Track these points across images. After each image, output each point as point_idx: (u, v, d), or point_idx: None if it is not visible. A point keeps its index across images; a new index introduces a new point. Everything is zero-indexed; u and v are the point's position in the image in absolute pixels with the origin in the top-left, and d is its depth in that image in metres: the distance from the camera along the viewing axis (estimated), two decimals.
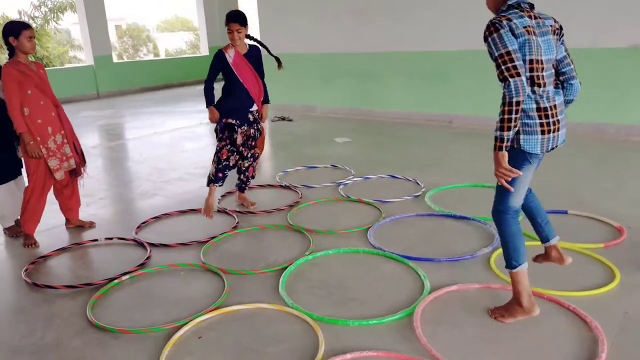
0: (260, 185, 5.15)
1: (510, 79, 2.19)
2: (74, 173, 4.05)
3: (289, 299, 2.88)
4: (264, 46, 4.25)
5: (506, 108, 2.22)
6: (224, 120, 4.04)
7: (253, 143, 4.29)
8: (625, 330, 2.50)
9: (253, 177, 4.48)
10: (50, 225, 4.24)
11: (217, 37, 17.10)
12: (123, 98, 13.25)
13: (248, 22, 4.06)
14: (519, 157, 2.38)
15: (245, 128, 4.11)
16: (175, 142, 7.59)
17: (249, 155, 4.29)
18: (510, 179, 2.35)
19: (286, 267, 3.27)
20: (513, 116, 2.22)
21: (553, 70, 2.41)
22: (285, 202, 4.57)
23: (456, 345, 2.44)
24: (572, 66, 2.48)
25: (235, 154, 4.18)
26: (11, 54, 3.65)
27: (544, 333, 2.51)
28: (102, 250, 3.85)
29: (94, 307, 2.96)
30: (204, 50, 17.37)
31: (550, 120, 2.33)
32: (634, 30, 6.21)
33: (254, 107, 4.17)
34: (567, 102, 2.54)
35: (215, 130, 4.15)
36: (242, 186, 4.51)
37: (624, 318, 2.59)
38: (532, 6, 2.40)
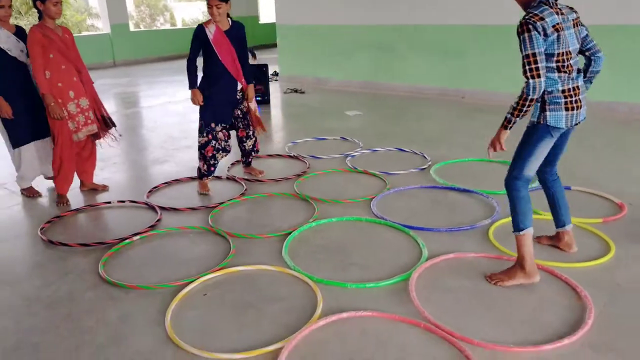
0: (270, 155, 5.24)
1: (530, 80, 2.45)
2: (95, 137, 4.18)
3: (291, 262, 3.00)
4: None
5: (521, 101, 2.50)
6: (210, 124, 4.01)
7: (245, 122, 4.28)
8: (615, 300, 2.57)
9: (257, 150, 4.54)
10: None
11: (233, 8, 16.98)
12: (139, 67, 13.34)
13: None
14: (541, 131, 2.62)
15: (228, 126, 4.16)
16: (187, 111, 7.68)
17: (250, 134, 4.33)
18: (496, 151, 2.69)
19: (290, 233, 3.39)
20: (525, 108, 2.51)
21: (577, 58, 2.63)
22: (292, 172, 4.66)
23: (448, 309, 2.54)
24: (594, 42, 2.71)
25: (221, 151, 4.12)
26: (40, 18, 3.76)
27: (534, 300, 2.60)
28: (114, 212, 3.99)
29: (106, 264, 3.11)
30: None
31: (573, 99, 2.59)
32: None
33: (239, 87, 4.09)
34: (596, 73, 2.80)
35: (201, 124, 4.05)
36: (248, 161, 4.59)
37: (615, 289, 2.66)
38: (556, 1, 2.59)
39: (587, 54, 2.72)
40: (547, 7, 2.50)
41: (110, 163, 5.13)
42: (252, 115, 4.28)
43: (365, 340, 2.33)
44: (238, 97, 4.12)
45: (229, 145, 4.18)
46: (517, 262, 2.73)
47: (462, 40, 7.83)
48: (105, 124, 4.23)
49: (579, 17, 2.63)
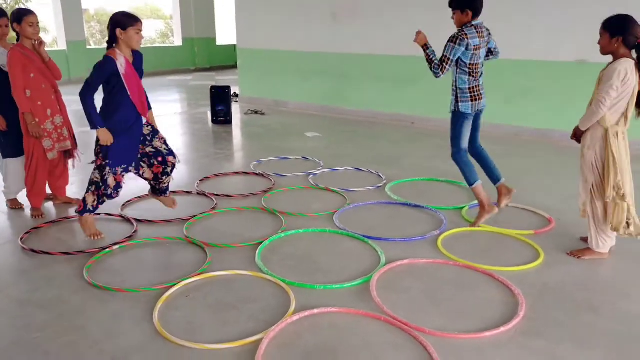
0: (236, 172, 5.56)
1: (438, 70, 3.74)
2: (67, 154, 4.38)
3: (264, 267, 3.33)
4: None
5: (432, 66, 3.76)
6: (116, 167, 3.60)
7: (160, 159, 3.78)
8: (543, 297, 3.05)
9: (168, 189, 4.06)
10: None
11: (191, 27, 17.27)
12: None
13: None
14: (460, 117, 3.88)
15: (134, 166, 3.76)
16: None
17: (167, 171, 3.84)
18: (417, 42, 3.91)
19: (261, 242, 3.71)
20: (430, 67, 3.77)
21: (483, 68, 3.89)
22: (259, 188, 5.00)
23: (404, 305, 2.94)
24: (498, 49, 4.02)
25: (112, 195, 3.71)
26: (18, 39, 3.96)
27: (476, 298, 3.04)
28: None
29: (89, 270, 3.33)
30: (177, 41, 17.50)
31: (476, 94, 3.84)
32: (578, 47, 6.89)
33: (144, 121, 3.71)
34: (494, 59, 4.10)
35: (97, 152, 3.61)
36: (165, 190, 4.02)
37: (543, 288, 3.14)
38: (481, 27, 3.78)
39: (492, 53, 4.03)
40: (475, 31, 3.68)
41: (78, 178, 5.29)
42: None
43: (334, 331, 2.69)
44: (146, 132, 3.72)
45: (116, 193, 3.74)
46: (480, 207, 3.97)
47: (412, 70, 8.44)
48: (75, 142, 4.43)
49: (490, 36, 3.89)
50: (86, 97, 3.39)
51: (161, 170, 3.82)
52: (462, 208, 4.42)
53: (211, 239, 3.80)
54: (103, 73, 3.41)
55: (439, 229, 3.98)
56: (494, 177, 4.06)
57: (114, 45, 3.46)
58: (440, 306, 2.95)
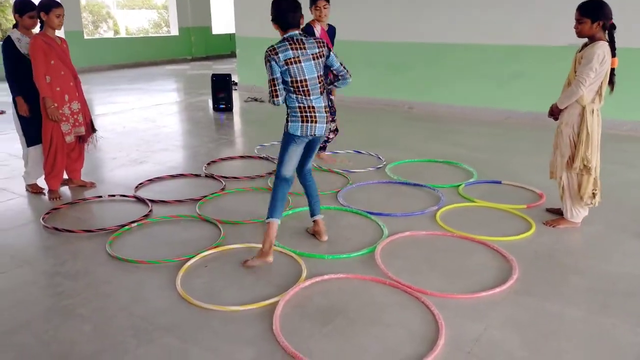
0: (241, 156, 5.78)
1: (271, 98, 3.22)
2: (82, 139, 4.58)
3: (275, 240, 3.56)
4: None
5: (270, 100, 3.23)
6: None
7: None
8: (533, 263, 3.30)
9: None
10: None
11: (187, 16, 17.35)
12: (93, 75, 13.47)
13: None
14: (287, 138, 3.28)
15: None
16: (154, 117, 8.07)
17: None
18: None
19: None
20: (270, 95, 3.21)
21: (318, 84, 3.25)
22: (264, 170, 5.22)
23: (406, 271, 3.18)
24: (345, 71, 3.39)
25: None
26: (41, 28, 4.17)
27: (473, 264, 3.30)
28: (106, 205, 4.41)
29: (111, 246, 3.55)
30: (174, 30, 17.59)
31: (308, 115, 3.22)
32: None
33: None
34: (340, 86, 3.50)
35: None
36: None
37: (533, 256, 3.40)
38: (302, 38, 3.22)
39: (339, 77, 3.41)
40: (286, 43, 3.17)
41: (91, 163, 5.49)
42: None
43: (344, 294, 2.93)
44: None
45: None
46: (261, 247, 3.25)
47: (407, 56, 8.65)
48: (92, 128, 4.65)
49: (328, 50, 3.28)
50: None
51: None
52: (459, 186, 4.66)
53: (223, 216, 4.03)
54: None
55: (437, 205, 4.23)
56: (313, 208, 3.64)
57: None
58: (439, 271, 3.20)
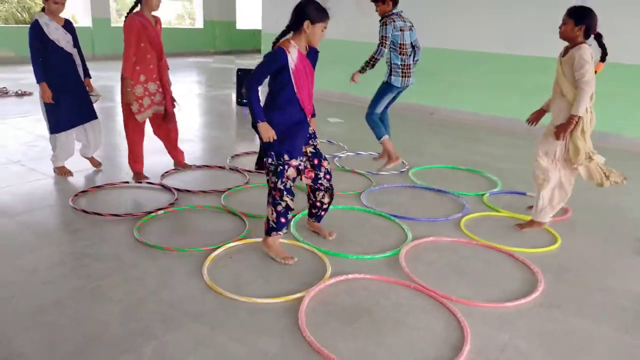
0: None
1: (380, 46, 4.80)
2: (165, 117, 4.63)
3: (299, 237, 3.58)
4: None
5: (371, 59, 4.88)
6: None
7: (316, 161, 3.49)
8: (558, 276, 3.29)
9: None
10: (82, 168, 4.83)
11: (212, 10, 17.45)
12: (118, 62, 13.58)
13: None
14: (387, 87, 5.00)
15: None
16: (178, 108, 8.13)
17: (321, 182, 3.56)
18: (355, 82, 5.01)
19: (295, 215, 3.96)
20: (372, 63, 4.88)
21: (411, 48, 4.93)
22: None
23: (431, 276, 3.19)
24: (419, 42, 5.02)
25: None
26: (136, 6, 4.25)
27: (498, 273, 3.29)
28: (133, 191, 4.47)
29: (139, 231, 3.60)
30: (199, 23, 17.70)
31: (406, 71, 4.91)
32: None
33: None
34: (416, 60, 5.11)
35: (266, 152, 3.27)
36: (319, 218, 3.75)
37: (558, 269, 3.38)
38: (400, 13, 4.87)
39: (415, 48, 4.98)
40: (397, 16, 4.80)
41: (117, 150, 5.56)
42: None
43: (368, 294, 2.94)
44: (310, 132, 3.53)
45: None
46: (387, 156, 5.15)
47: (431, 62, 8.61)
48: (173, 104, 4.69)
49: (412, 26, 4.91)
50: (252, 89, 3.10)
51: (313, 176, 3.46)
52: (483, 195, 4.65)
53: (247, 209, 4.05)
54: (271, 66, 3.11)
55: (461, 212, 4.22)
56: (387, 131, 5.20)
57: (291, 34, 3.17)
58: (465, 278, 3.20)
